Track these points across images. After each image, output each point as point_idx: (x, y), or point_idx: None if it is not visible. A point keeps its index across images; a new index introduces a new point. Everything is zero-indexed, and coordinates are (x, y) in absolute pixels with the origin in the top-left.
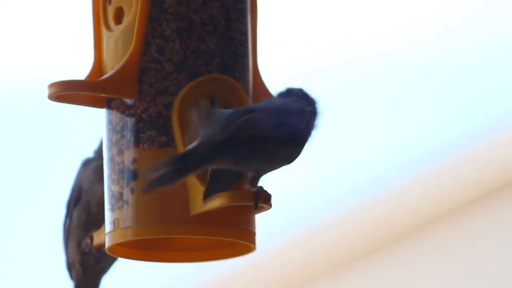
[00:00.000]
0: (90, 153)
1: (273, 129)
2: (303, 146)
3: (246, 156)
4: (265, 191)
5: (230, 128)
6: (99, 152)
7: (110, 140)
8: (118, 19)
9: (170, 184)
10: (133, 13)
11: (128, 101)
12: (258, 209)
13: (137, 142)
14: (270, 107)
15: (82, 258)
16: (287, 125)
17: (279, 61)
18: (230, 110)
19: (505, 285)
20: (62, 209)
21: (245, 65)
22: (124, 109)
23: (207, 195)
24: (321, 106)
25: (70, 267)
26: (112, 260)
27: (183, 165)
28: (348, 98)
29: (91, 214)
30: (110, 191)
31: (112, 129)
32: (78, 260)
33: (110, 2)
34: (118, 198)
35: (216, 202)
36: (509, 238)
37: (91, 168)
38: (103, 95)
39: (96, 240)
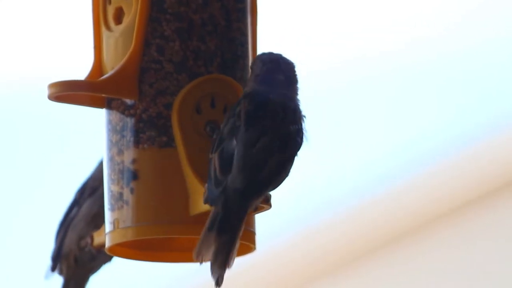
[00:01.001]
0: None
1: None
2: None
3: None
4: None
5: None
6: None
7: (110, 140)
8: (118, 19)
9: (231, 262)
10: (133, 13)
11: (128, 101)
12: (258, 209)
13: (137, 142)
14: (275, 132)
15: (79, 254)
16: (292, 147)
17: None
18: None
19: (505, 285)
20: (63, 208)
21: (246, 66)
22: (124, 109)
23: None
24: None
25: (61, 258)
26: (106, 259)
27: (228, 236)
28: (348, 97)
29: (102, 208)
30: (110, 191)
31: (112, 129)
32: (74, 254)
33: (110, 2)
34: (118, 198)
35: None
36: (509, 238)
37: None
38: (103, 95)
39: (96, 240)
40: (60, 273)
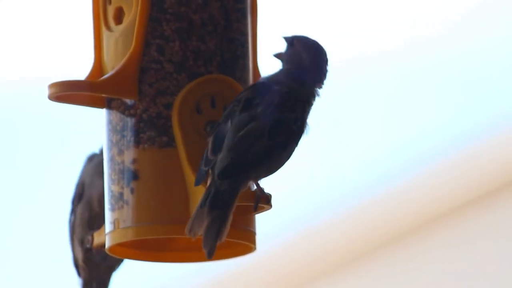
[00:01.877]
0: (92, 150)
1: (276, 143)
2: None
3: (259, 170)
4: (265, 192)
5: (235, 151)
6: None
7: (110, 140)
8: (118, 19)
9: (223, 234)
10: (133, 13)
11: (128, 101)
12: (258, 209)
13: (137, 142)
14: (269, 116)
15: (86, 256)
16: (284, 134)
17: (278, 61)
18: (231, 127)
19: (505, 285)
20: (63, 208)
21: (245, 65)
22: (124, 109)
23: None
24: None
25: (76, 263)
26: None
27: (219, 211)
28: (347, 97)
29: (93, 212)
30: (110, 191)
31: (112, 129)
32: (82, 258)
33: (110, 2)
34: (118, 198)
35: None
36: (509, 238)
37: (94, 163)
38: (103, 95)
39: (97, 240)
40: (80, 276)
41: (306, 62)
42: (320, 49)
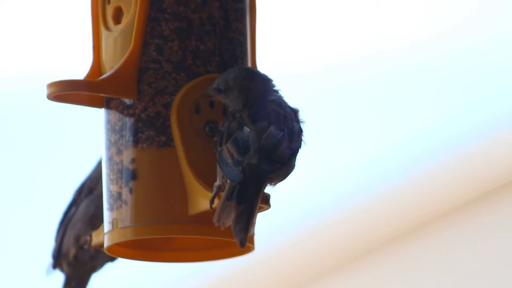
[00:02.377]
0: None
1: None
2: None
3: (280, 170)
4: (265, 192)
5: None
6: None
7: (109, 140)
8: (117, 19)
9: (251, 227)
10: (132, 13)
11: (127, 101)
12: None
13: (136, 142)
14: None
15: (78, 252)
16: (296, 141)
17: (278, 61)
18: (251, 132)
19: (505, 285)
20: (62, 208)
21: (244, 65)
22: (123, 109)
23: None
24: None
25: (61, 256)
26: (106, 259)
27: (247, 205)
28: (347, 97)
29: (100, 209)
30: (109, 190)
31: (111, 128)
32: (73, 253)
33: (109, 2)
34: (117, 198)
35: (216, 203)
36: (509, 238)
37: None
38: (102, 95)
39: (95, 239)
40: (62, 271)
41: (255, 88)
42: (248, 72)
